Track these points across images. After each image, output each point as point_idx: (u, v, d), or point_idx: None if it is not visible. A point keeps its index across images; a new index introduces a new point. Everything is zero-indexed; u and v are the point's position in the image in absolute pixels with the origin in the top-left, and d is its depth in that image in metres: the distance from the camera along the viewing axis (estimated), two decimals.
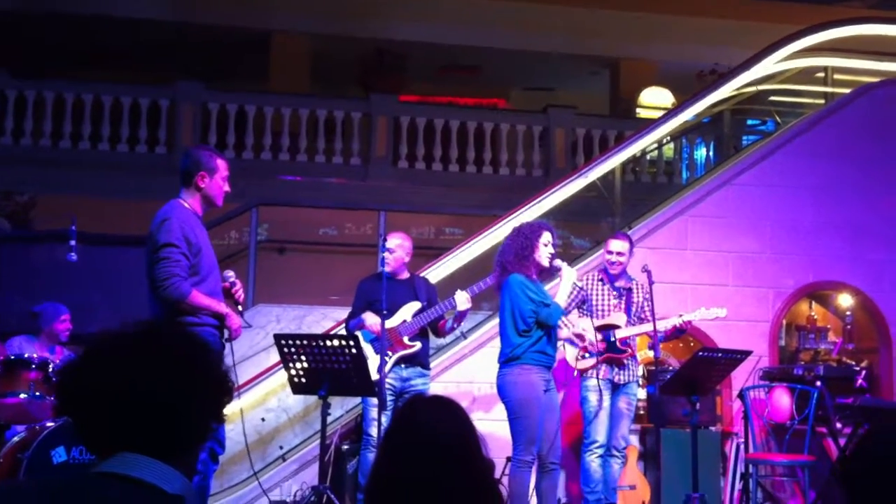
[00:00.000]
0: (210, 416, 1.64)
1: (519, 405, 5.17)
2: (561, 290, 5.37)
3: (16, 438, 5.18)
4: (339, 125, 11.60)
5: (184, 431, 1.59)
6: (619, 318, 5.94)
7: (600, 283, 6.04)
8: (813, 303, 8.12)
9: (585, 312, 5.95)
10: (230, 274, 4.55)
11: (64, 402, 1.62)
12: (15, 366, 5.38)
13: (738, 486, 6.78)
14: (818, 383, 6.59)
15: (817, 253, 7.71)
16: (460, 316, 5.84)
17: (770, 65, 8.60)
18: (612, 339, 5.87)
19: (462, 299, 5.71)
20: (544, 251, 5.31)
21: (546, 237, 5.34)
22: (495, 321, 7.09)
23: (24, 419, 5.40)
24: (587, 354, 5.87)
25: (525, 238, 5.32)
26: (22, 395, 5.32)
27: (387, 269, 5.75)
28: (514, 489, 5.20)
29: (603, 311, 6.00)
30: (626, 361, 5.91)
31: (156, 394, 1.55)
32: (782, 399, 6.77)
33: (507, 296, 5.30)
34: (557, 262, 5.37)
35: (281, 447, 6.97)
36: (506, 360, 5.26)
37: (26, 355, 5.53)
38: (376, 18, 13.24)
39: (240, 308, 4.49)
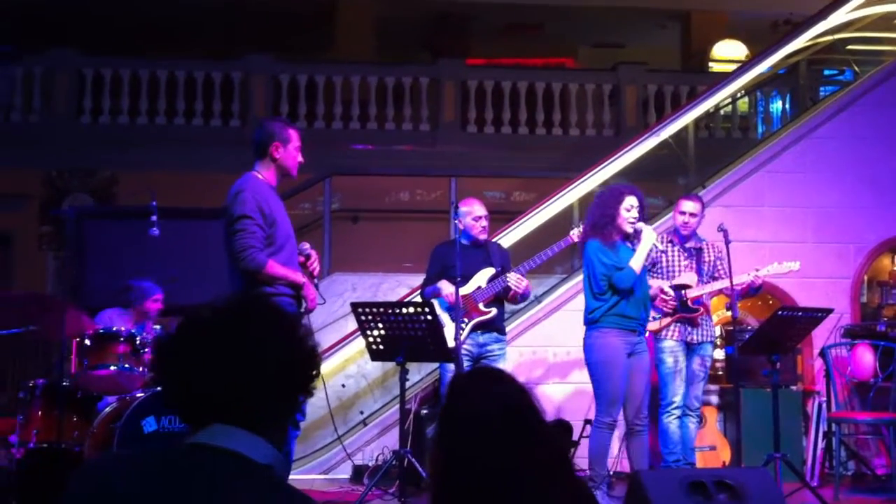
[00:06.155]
0: (299, 390, 1.68)
1: (597, 367, 5.26)
2: (638, 252, 5.30)
3: (108, 409, 5.33)
4: (408, 92, 11.60)
5: (273, 404, 1.63)
6: (689, 277, 5.88)
7: (670, 244, 5.98)
8: (895, 257, 7.91)
9: (656, 274, 5.91)
10: (306, 246, 4.56)
11: (160, 375, 1.68)
12: (105, 339, 5.55)
13: (820, 445, 6.71)
14: None
15: None
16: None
17: (846, 13, 8.34)
18: (684, 298, 5.83)
19: (513, 279, 5.70)
20: (627, 216, 5.28)
21: (629, 201, 5.29)
22: (569, 285, 7.14)
23: (114, 390, 5.57)
24: (656, 315, 5.82)
25: (604, 207, 5.34)
26: (112, 367, 5.48)
27: (481, 237, 5.82)
28: (593, 449, 5.29)
29: (673, 272, 5.94)
30: (699, 321, 5.85)
31: (247, 368, 1.59)
32: (865, 356, 6.65)
33: (585, 261, 5.42)
34: (639, 224, 5.32)
35: (362, 412, 7.11)
36: (587, 323, 5.36)
37: (115, 328, 5.72)
38: None
39: (315, 281, 4.49)
